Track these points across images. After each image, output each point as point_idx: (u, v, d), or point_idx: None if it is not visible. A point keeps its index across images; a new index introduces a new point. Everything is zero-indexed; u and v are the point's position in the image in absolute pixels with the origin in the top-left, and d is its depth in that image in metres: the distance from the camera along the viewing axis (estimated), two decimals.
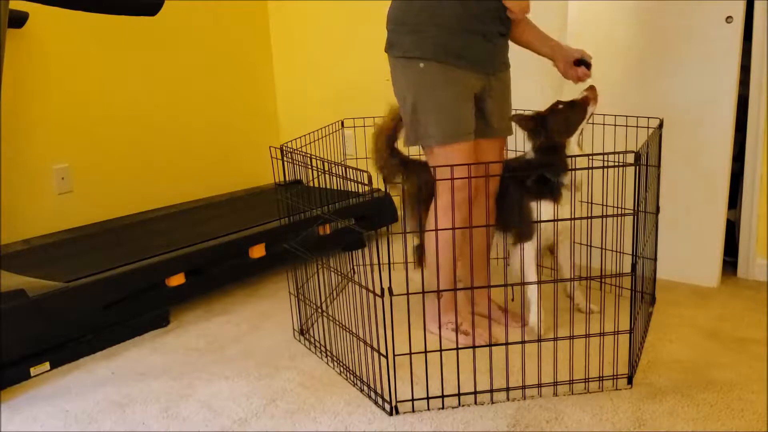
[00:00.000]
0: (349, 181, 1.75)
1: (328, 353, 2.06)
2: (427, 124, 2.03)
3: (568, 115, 2.07)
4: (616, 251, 2.21)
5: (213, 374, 2.02)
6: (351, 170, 1.74)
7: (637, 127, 2.34)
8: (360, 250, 2.79)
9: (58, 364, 2.09)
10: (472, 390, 1.79)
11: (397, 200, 2.82)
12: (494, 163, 2.15)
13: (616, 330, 1.84)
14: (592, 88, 2.08)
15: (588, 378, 1.83)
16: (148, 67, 3.22)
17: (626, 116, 2.37)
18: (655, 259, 2.39)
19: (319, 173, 1.88)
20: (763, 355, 2.00)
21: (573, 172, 2.04)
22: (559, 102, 2.12)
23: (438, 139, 2.03)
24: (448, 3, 1.97)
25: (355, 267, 2.54)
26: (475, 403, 1.78)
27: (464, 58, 2.01)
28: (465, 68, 2.02)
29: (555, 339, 1.80)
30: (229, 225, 2.76)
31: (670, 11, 2.47)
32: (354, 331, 1.93)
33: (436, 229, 1.80)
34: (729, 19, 2.35)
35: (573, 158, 2.04)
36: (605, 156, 1.88)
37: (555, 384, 1.82)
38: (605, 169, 1.81)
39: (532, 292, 2.14)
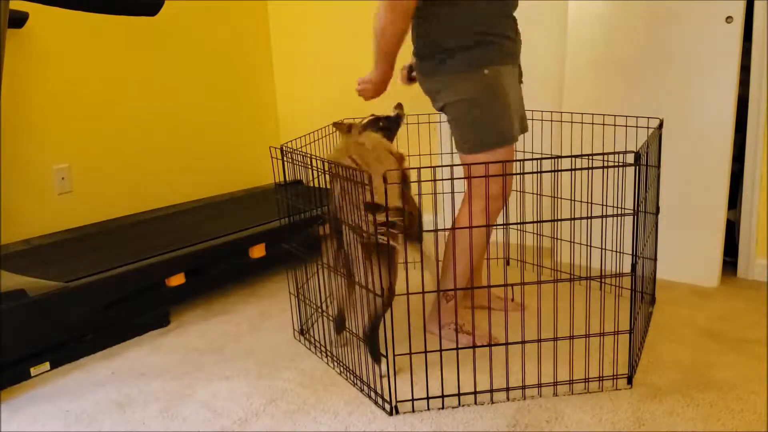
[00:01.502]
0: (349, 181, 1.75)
1: (328, 353, 2.06)
2: (496, 127, 1.99)
3: (391, 125, 2.24)
4: (616, 251, 2.21)
5: (213, 374, 2.02)
6: (351, 170, 1.74)
7: (637, 127, 2.34)
8: None
9: (58, 364, 2.10)
10: (472, 390, 1.79)
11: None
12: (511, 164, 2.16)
13: (616, 330, 1.84)
14: (400, 105, 2.26)
15: (588, 378, 1.83)
16: (148, 67, 3.22)
17: (626, 116, 2.37)
18: (655, 259, 2.39)
19: (319, 173, 1.88)
20: (763, 355, 2.00)
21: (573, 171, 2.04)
22: (375, 115, 2.25)
23: (507, 138, 2.01)
24: (496, 3, 1.95)
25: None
26: (475, 403, 1.78)
27: (511, 55, 2.01)
28: (513, 65, 2.03)
29: (555, 339, 1.80)
30: (229, 225, 2.76)
31: (669, 11, 2.47)
32: (354, 331, 1.93)
33: (442, 229, 1.80)
34: (729, 19, 2.35)
35: (573, 158, 2.05)
36: (605, 156, 1.88)
37: (555, 384, 1.82)
38: (605, 169, 1.81)
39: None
